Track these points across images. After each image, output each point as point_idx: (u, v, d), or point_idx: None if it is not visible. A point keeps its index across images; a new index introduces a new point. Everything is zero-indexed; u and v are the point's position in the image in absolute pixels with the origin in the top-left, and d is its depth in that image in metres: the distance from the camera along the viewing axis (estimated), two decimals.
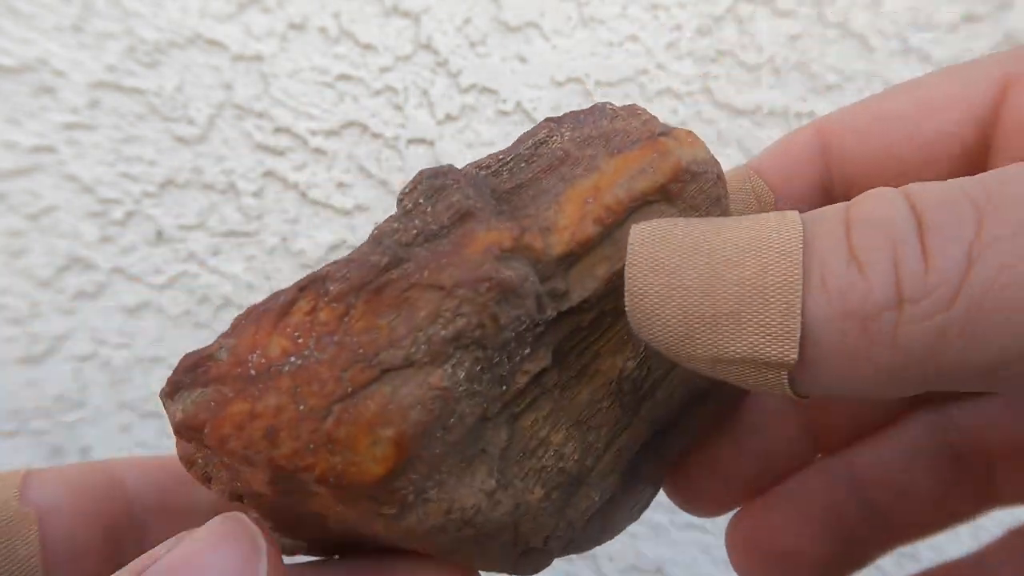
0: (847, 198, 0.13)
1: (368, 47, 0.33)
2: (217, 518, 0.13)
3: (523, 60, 0.34)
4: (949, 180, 0.12)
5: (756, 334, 0.12)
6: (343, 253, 0.35)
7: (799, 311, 0.11)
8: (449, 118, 0.34)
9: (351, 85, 0.33)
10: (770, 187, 0.17)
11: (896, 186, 0.13)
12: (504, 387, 0.13)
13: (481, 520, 0.13)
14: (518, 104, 0.34)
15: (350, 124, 0.34)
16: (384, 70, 0.33)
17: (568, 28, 0.34)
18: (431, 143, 0.34)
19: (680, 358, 0.13)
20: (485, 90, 0.34)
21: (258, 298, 0.35)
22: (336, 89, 0.33)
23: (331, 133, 0.34)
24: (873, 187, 0.13)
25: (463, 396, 0.12)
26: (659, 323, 0.13)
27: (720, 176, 0.16)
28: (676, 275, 0.12)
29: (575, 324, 0.14)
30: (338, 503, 0.12)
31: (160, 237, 0.34)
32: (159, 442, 0.35)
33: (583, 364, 0.14)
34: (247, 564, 0.12)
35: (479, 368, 0.13)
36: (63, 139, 0.32)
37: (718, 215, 0.15)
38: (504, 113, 0.34)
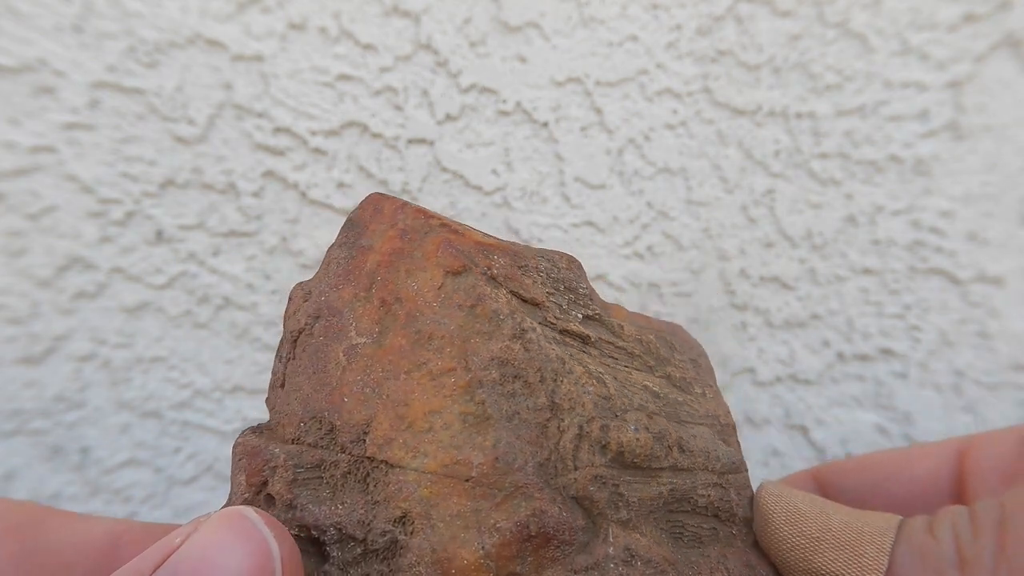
0: None
1: (368, 47, 0.33)
2: (224, 513, 0.13)
3: (523, 60, 0.34)
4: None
5: (850, 558, 0.16)
6: None
7: (888, 551, 0.16)
8: (449, 118, 0.34)
9: (351, 85, 0.33)
10: None
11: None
12: (559, 315, 0.17)
13: (533, 339, 0.16)
14: (518, 104, 0.34)
15: (350, 124, 0.34)
16: (384, 70, 0.33)
17: (568, 28, 0.34)
18: (431, 143, 0.34)
19: (786, 566, 0.18)
20: (485, 90, 0.34)
21: (258, 298, 0.35)
22: (336, 89, 0.33)
23: (331, 133, 0.34)
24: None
25: (537, 274, 0.17)
26: (775, 536, 0.18)
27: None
28: (795, 506, 0.18)
29: (607, 339, 0.18)
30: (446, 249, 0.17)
31: (160, 237, 0.34)
32: (159, 442, 0.35)
33: (615, 370, 0.18)
34: (261, 565, 0.13)
35: (551, 280, 0.17)
36: (63, 139, 0.32)
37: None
38: (504, 113, 0.34)
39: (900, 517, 0.17)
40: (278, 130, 0.33)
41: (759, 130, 0.35)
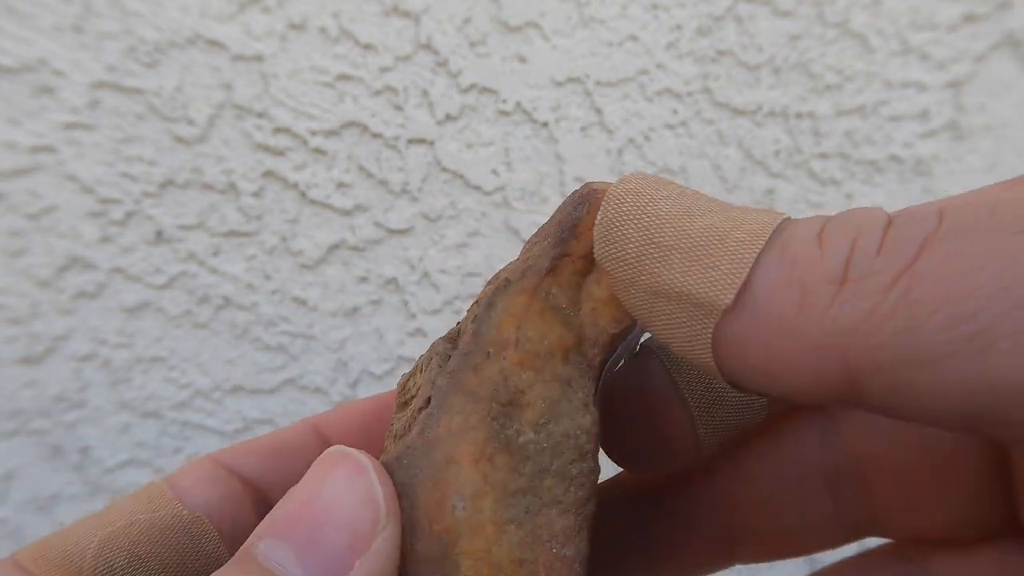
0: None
1: (368, 47, 0.33)
2: (322, 454, 0.14)
3: (523, 60, 0.34)
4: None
5: (701, 272, 0.12)
6: (343, 253, 0.35)
7: (750, 263, 0.12)
8: (449, 118, 0.34)
9: (351, 85, 0.33)
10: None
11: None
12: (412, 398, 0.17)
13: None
14: (518, 104, 0.34)
15: (350, 124, 0.34)
16: (384, 70, 0.33)
17: (568, 28, 0.34)
18: (431, 143, 0.34)
19: (624, 283, 0.13)
20: (485, 90, 0.34)
21: (258, 298, 0.35)
22: (336, 89, 0.33)
23: (331, 133, 0.34)
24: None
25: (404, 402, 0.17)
26: (619, 241, 0.13)
27: None
28: (652, 204, 0.13)
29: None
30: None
31: (160, 237, 0.34)
32: (159, 442, 0.35)
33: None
34: (357, 479, 0.14)
35: (428, 371, 0.17)
36: (63, 139, 0.32)
37: None
38: (504, 113, 0.34)
39: (787, 217, 0.13)
40: (278, 130, 0.33)
41: (759, 130, 0.35)
